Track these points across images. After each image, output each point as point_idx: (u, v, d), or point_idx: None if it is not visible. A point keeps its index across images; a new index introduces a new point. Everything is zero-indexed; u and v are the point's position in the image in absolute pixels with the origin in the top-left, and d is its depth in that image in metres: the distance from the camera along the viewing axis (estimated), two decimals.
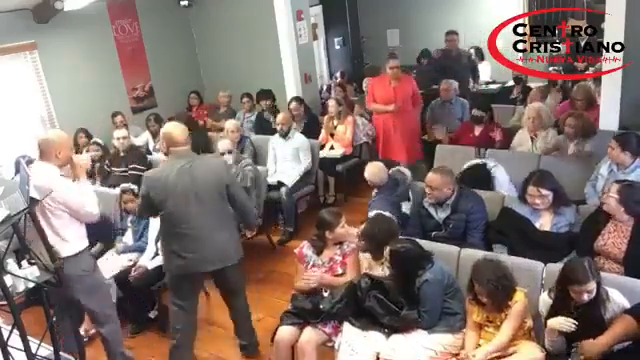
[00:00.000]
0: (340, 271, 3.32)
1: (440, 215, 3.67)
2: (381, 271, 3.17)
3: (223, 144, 4.80)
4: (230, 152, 4.79)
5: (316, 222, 3.40)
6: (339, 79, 7.85)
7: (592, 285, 2.48)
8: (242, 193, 3.44)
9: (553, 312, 2.65)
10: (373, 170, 4.04)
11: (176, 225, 3.16)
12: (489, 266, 2.74)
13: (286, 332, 3.17)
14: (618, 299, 2.56)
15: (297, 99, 6.10)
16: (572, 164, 4.21)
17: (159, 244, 3.86)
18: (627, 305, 2.54)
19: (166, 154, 3.44)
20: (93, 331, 3.96)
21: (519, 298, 2.73)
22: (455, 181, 3.70)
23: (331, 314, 3.09)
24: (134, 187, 4.30)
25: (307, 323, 3.17)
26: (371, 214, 3.64)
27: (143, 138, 6.37)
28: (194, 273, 3.28)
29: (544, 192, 3.35)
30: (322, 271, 3.32)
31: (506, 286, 2.69)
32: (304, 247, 3.46)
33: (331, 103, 5.93)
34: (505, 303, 2.72)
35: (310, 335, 3.10)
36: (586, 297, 2.50)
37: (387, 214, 3.58)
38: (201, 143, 5.88)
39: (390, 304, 3.01)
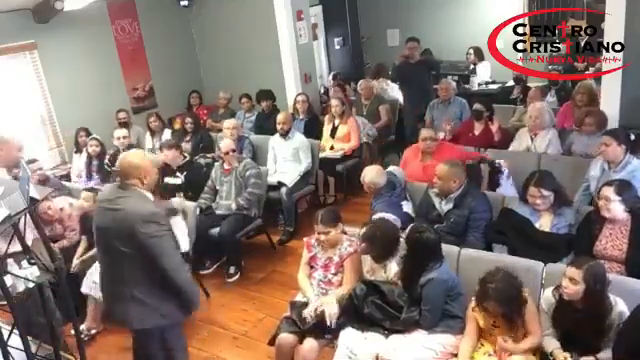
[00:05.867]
0: (333, 271, 3.32)
1: (443, 207, 3.68)
2: (383, 274, 3.16)
3: (226, 144, 4.80)
4: (234, 151, 4.83)
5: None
6: (332, 81, 7.81)
7: None
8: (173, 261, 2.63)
9: (557, 313, 2.66)
10: (374, 172, 3.98)
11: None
12: (506, 286, 2.66)
13: (287, 339, 3.13)
14: (621, 308, 2.55)
15: (304, 94, 6.20)
16: (572, 164, 4.21)
17: None
18: (626, 313, 2.52)
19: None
20: (94, 330, 3.98)
21: (526, 299, 2.72)
22: (464, 176, 3.68)
23: (335, 326, 3.06)
24: None
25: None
26: (375, 217, 3.64)
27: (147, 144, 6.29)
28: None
29: (545, 192, 3.35)
30: (319, 265, 3.35)
31: (518, 307, 2.69)
32: (312, 238, 3.44)
33: (334, 103, 5.87)
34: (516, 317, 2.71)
35: (312, 344, 3.07)
36: None
37: (391, 216, 3.58)
38: (205, 142, 5.93)
39: (389, 308, 3.01)
